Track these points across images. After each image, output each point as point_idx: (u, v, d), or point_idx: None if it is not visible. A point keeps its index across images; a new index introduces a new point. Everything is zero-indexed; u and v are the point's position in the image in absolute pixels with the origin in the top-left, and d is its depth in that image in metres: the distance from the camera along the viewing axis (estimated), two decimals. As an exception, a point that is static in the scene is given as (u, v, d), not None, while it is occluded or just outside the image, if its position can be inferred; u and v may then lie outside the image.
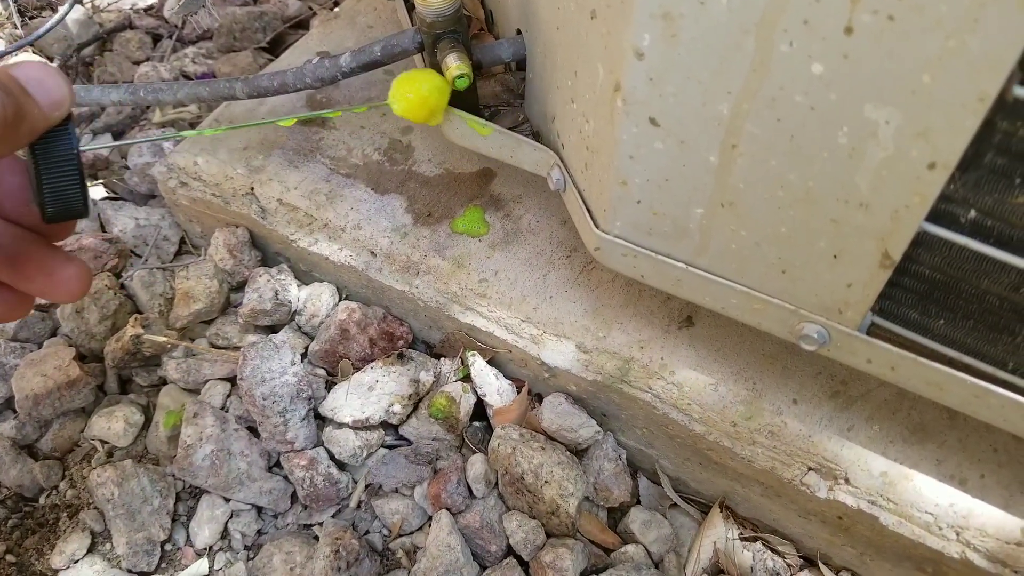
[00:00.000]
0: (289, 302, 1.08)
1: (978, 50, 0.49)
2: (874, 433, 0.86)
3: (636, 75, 0.65)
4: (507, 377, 1.03)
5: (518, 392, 1.02)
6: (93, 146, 0.61)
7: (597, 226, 0.81)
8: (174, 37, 1.70)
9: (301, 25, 1.65)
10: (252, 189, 1.11)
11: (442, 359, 1.06)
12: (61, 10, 1.13)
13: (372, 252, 1.05)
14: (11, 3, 1.03)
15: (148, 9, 1.81)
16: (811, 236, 0.68)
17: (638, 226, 0.78)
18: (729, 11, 0.56)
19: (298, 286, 1.12)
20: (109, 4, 1.80)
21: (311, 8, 1.68)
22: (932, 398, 0.72)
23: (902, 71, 0.53)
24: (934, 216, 0.61)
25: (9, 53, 1.23)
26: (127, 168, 1.37)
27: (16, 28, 1.66)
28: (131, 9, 1.80)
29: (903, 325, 0.71)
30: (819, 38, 0.54)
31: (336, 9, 1.38)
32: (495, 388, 1.00)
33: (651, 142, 0.69)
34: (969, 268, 0.63)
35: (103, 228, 1.25)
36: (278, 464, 1.02)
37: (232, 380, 1.07)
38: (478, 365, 1.01)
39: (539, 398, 1.02)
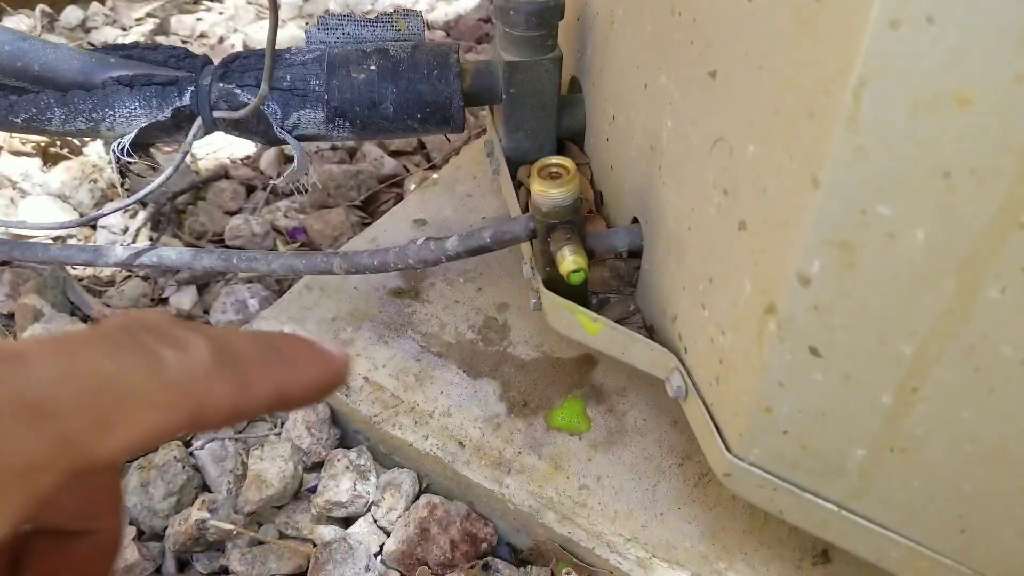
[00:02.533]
0: (367, 493, 0.99)
1: None
2: None
3: (798, 301, 0.57)
4: (605, 598, 0.91)
5: (617, 618, 0.89)
6: None
7: (729, 450, 0.72)
8: (267, 189, 1.71)
9: (395, 184, 1.64)
10: (338, 364, 1.05)
11: (530, 567, 0.95)
12: (168, 168, 1.13)
13: (460, 443, 0.96)
14: (113, 164, 1.03)
15: (245, 159, 1.83)
16: (1004, 500, 0.57)
17: (781, 457, 0.67)
18: (926, 249, 0.48)
19: (377, 472, 1.03)
20: (207, 153, 1.83)
21: (406, 168, 1.68)
22: None
23: None
24: None
25: (119, 210, 1.24)
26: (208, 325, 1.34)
27: (116, 187, 1.69)
28: (228, 159, 1.83)
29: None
30: (1046, 289, 0.46)
31: (435, 176, 1.36)
32: (591, 612, 0.88)
33: (808, 372, 0.60)
34: None
35: (179, 389, 1.20)
36: None
37: (299, 576, 0.98)
38: (573, 583, 0.89)
39: (640, 626, 0.90)
